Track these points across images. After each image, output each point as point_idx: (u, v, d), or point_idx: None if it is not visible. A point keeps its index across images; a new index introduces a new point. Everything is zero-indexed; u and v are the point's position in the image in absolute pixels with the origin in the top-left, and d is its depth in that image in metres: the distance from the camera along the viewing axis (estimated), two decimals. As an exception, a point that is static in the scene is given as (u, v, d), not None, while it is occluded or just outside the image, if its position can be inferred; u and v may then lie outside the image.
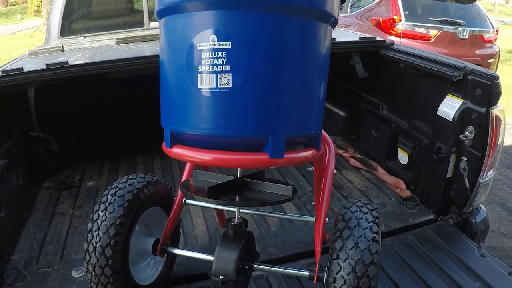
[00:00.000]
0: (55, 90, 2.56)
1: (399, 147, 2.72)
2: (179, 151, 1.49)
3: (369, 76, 2.84)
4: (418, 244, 2.22)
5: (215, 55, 1.34)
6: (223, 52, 1.33)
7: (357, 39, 2.76)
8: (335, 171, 1.88)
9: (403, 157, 2.68)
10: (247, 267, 1.67)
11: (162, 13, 1.47)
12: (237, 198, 1.60)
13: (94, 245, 1.63)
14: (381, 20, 5.61)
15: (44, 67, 2.27)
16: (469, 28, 5.60)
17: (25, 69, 2.25)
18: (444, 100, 2.34)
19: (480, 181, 2.25)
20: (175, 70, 1.44)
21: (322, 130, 1.93)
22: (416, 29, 5.39)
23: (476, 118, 2.17)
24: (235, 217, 1.68)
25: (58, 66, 2.27)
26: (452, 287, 1.94)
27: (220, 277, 1.58)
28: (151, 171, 3.08)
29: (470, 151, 2.22)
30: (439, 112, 2.35)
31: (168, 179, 2.94)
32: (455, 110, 2.27)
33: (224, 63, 1.33)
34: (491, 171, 2.32)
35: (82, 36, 3.46)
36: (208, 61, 1.34)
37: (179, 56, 1.41)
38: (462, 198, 2.31)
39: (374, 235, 1.49)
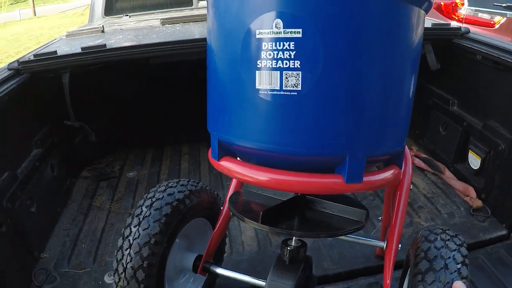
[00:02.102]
0: (96, 73, 2.22)
1: (470, 149, 2.24)
2: (229, 166, 1.12)
3: (441, 68, 2.35)
4: (490, 266, 1.79)
5: (280, 46, 0.94)
6: (291, 43, 0.93)
7: (429, 25, 2.27)
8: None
9: (474, 161, 2.21)
10: (302, 299, 1.29)
11: (210, -11, 1.08)
12: (297, 224, 1.21)
13: (125, 266, 1.29)
14: (442, 3, 4.94)
15: (79, 50, 1.92)
16: (535, 16, 4.88)
17: (59, 53, 1.92)
18: None
19: None
20: (226, 64, 1.05)
21: None
22: (480, 14, 4.71)
23: None
24: (292, 240, 1.30)
25: (95, 50, 1.92)
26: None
27: (270, 311, 1.22)
28: (197, 162, 2.70)
29: None
30: (520, 115, 1.87)
31: (215, 173, 2.54)
32: (544, 113, 1.79)
33: (292, 57, 0.94)
34: None
35: (127, 15, 3.09)
36: (270, 54, 0.95)
37: (232, 46, 1.02)
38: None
39: (463, 280, 1.10)
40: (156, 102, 2.69)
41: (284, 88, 0.95)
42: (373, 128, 1.01)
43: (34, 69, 1.92)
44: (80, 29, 2.53)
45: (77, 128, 2.24)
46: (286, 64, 0.94)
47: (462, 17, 4.77)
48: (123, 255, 1.30)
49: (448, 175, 2.34)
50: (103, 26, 2.44)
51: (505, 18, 4.61)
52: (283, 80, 0.95)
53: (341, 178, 1.01)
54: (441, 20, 4.78)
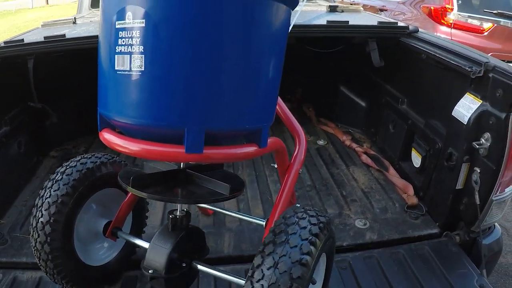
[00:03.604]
0: (64, 60, 2.57)
1: (413, 147, 2.41)
2: (107, 137, 1.39)
3: (392, 66, 2.53)
4: (409, 262, 1.94)
5: (130, 34, 1.21)
6: (137, 31, 1.20)
7: (375, 23, 2.46)
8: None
9: (416, 159, 2.38)
10: (184, 264, 1.55)
11: (99, -12, 1.37)
12: (169, 193, 1.47)
13: (37, 221, 1.61)
14: (432, 8, 5.06)
15: (42, 39, 2.28)
16: (527, 24, 4.89)
17: (26, 41, 2.28)
18: (462, 100, 2.01)
19: (493, 198, 1.92)
20: (102, 49, 1.34)
21: (294, 121, 1.75)
22: (469, 20, 4.79)
23: (494, 124, 1.84)
24: (176, 210, 1.56)
25: (55, 39, 2.27)
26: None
27: (150, 271, 1.48)
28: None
29: (484, 161, 1.89)
30: (454, 113, 2.02)
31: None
32: (472, 112, 1.94)
33: (138, 43, 1.20)
34: (511, 187, 1.98)
35: (111, 9, 3.46)
36: (124, 41, 1.23)
37: (104, 35, 1.30)
38: (472, 215, 1.98)
39: (303, 256, 1.22)
40: None
41: (132, 69, 1.22)
42: (211, 106, 1.24)
43: (3, 55, 2.29)
44: (55, 20, 2.90)
45: (47, 111, 2.61)
46: (133, 48, 1.21)
47: (451, 22, 4.87)
48: (37, 211, 1.62)
49: (391, 173, 2.52)
50: (75, 18, 2.81)
51: (495, 25, 4.69)
52: (132, 62, 1.22)
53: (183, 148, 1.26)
54: (431, 25, 4.91)
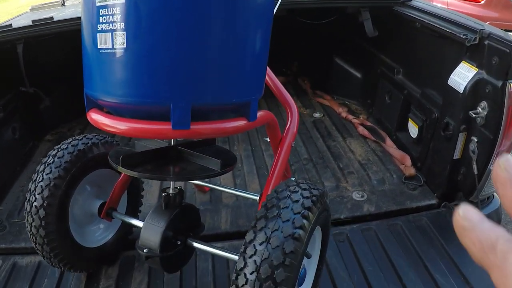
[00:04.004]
0: (57, 44, 2.56)
1: (410, 117, 2.40)
2: (95, 117, 1.39)
3: (386, 36, 2.50)
4: (407, 233, 1.94)
5: (110, 11, 1.19)
6: (118, 8, 1.18)
7: (366, -7, 2.43)
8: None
9: (413, 130, 2.36)
10: (179, 242, 1.56)
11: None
12: (161, 171, 1.46)
13: (31, 205, 1.61)
14: None
15: (30, 23, 2.26)
16: (525, -8, 4.83)
17: (14, 26, 2.26)
18: (457, 68, 1.99)
19: (491, 168, 1.91)
20: (84, 29, 1.32)
21: (285, 93, 1.74)
22: None
23: (490, 92, 1.82)
24: (169, 188, 1.57)
25: (43, 22, 2.25)
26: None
27: (144, 250, 1.49)
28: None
29: (481, 131, 1.88)
30: (449, 82, 2.00)
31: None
32: (468, 81, 1.92)
33: (119, 20, 1.19)
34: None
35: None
36: (105, 19, 1.21)
37: (85, 14, 1.29)
38: (470, 185, 1.98)
39: (296, 230, 1.21)
40: None
41: (115, 47, 1.21)
42: (196, 80, 1.22)
43: None
44: (43, 3, 2.88)
45: (40, 95, 2.61)
46: (115, 26, 1.19)
47: (447, -9, 4.81)
48: (30, 195, 1.62)
49: (388, 144, 2.51)
50: (63, 0, 2.79)
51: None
52: (114, 40, 1.21)
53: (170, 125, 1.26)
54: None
